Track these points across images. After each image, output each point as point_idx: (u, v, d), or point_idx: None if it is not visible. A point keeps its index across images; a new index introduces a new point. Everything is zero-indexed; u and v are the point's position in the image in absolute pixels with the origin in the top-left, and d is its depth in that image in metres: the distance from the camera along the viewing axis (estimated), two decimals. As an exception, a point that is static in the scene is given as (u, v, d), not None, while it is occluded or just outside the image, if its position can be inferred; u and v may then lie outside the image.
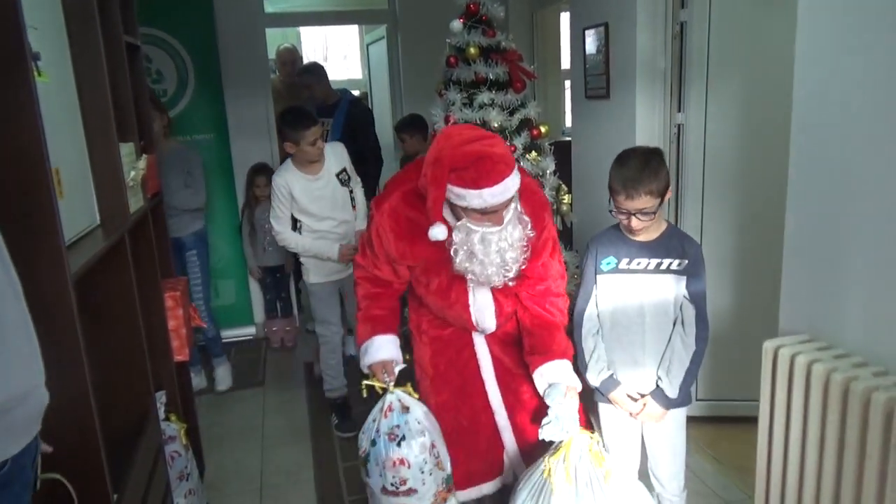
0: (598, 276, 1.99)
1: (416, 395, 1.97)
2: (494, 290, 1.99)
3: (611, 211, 1.91)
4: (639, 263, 1.93)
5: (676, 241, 1.94)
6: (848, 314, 1.74)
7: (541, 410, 2.07)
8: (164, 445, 2.10)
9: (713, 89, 2.71)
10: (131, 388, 1.92)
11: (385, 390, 1.95)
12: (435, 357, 2.11)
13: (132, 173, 1.98)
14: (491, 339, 2.10)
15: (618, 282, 1.96)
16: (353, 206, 3.14)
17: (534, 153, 2.86)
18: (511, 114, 2.83)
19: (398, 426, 1.89)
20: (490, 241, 1.77)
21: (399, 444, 1.87)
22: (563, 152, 3.39)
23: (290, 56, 4.90)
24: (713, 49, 2.68)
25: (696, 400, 2.82)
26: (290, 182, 2.95)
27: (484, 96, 2.80)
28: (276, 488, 2.78)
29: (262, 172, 4.13)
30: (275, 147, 4.45)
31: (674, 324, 1.96)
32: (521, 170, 1.83)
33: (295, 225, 3.04)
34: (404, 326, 2.14)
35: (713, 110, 2.73)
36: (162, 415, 2.13)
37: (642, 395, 2.02)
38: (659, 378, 1.98)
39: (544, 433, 1.81)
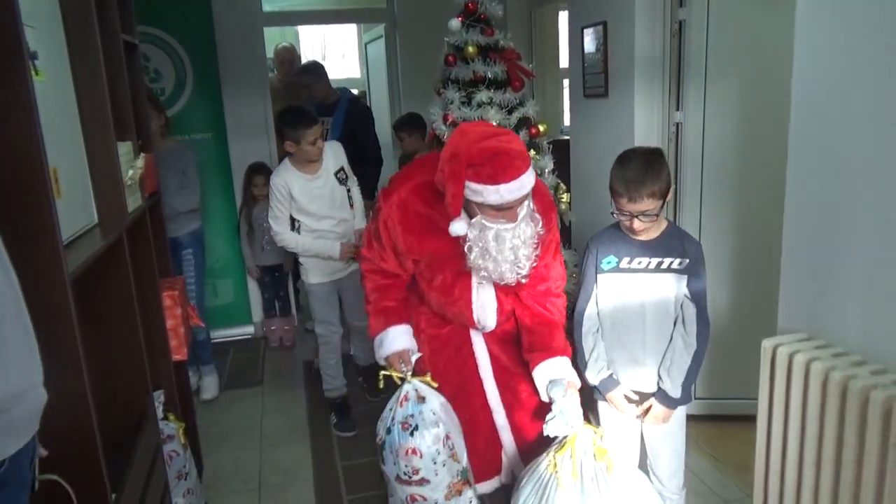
0: (598, 276, 1.99)
1: (435, 385, 1.98)
2: (497, 289, 1.99)
3: (612, 213, 1.91)
4: (639, 262, 1.93)
5: (677, 240, 1.94)
6: (846, 313, 1.75)
7: (539, 409, 2.08)
8: (163, 445, 2.10)
9: (712, 88, 2.71)
10: (129, 387, 1.92)
11: (403, 380, 1.97)
12: (433, 355, 2.11)
13: (130, 172, 1.98)
14: (489, 337, 2.10)
15: (618, 281, 1.96)
16: (351, 205, 3.14)
17: (532, 152, 2.86)
18: (509, 112, 2.83)
19: (412, 416, 1.91)
20: (504, 239, 1.78)
21: (412, 434, 1.89)
22: (561, 151, 3.39)
23: (289, 55, 4.89)
24: (712, 48, 2.68)
25: (695, 398, 2.82)
26: (288, 181, 2.94)
27: (482, 95, 2.80)
28: (274, 487, 2.77)
29: (260, 172, 4.13)
30: (273, 146, 4.45)
31: (674, 323, 1.96)
32: None
33: (293, 225, 3.03)
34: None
35: (712, 109, 2.73)
36: (160, 414, 2.12)
37: (640, 394, 2.03)
38: (660, 379, 1.98)
39: (549, 429, 1.81)
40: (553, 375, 1.93)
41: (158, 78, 4.07)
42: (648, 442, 2.10)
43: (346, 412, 3.23)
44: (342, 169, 3.10)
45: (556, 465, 1.77)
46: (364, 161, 4.13)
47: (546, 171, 2.90)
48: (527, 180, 1.72)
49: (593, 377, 2.02)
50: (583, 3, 3.35)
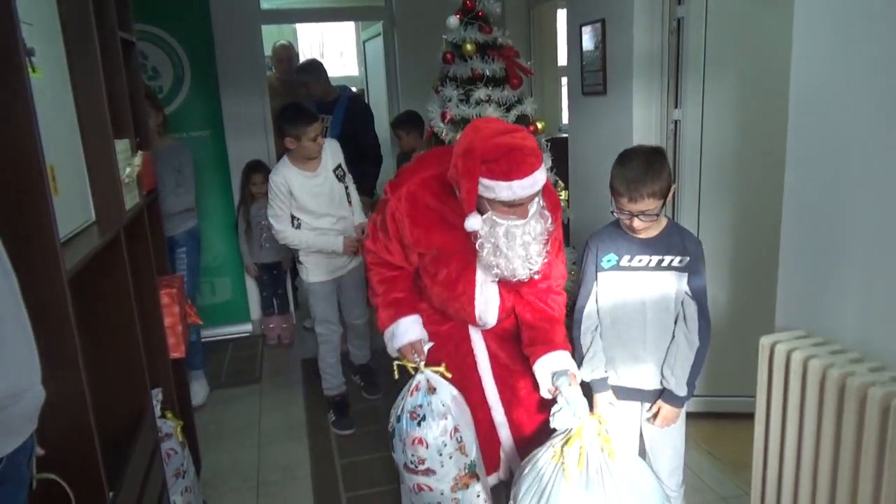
0: (598, 274, 1.99)
1: (449, 376, 1.99)
2: (500, 285, 2.00)
3: (612, 211, 1.91)
4: (640, 261, 1.93)
5: (677, 238, 1.93)
6: (844, 310, 1.75)
7: (538, 406, 2.08)
8: (161, 443, 2.10)
9: (710, 85, 2.71)
10: (127, 385, 1.91)
11: (416, 370, 1.99)
12: (433, 352, 2.11)
13: (127, 170, 1.97)
14: (488, 334, 2.11)
15: (619, 279, 1.96)
16: (349, 202, 3.13)
17: (531, 149, 2.85)
18: (508, 110, 2.83)
19: (421, 406, 1.93)
20: (515, 235, 1.78)
21: (419, 424, 1.91)
22: (559, 149, 3.39)
23: (287, 53, 4.88)
24: (710, 45, 2.68)
25: (693, 396, 2.82)
26: (288, 179, 2.94)
27: (480, 92, 2.80)
28: (272, 485, 2.77)
29: (259, 170, 4.13)
30: (271, 144, 4.44)
31: (675, 320, 1.96)
32: None
33: (293, 224, 3.03)
34: None
35: (710, 106, 2.73)
36: (158, 412, 2.12)
37: (639, 392, 2.03)
38: (665, 378, 1.97)
39: (556, 421, 1.81)
40: (556, 367, 1.93)
41: (156, 76, 4.07)
42: (648, 439, 2.10)
43: (344, 410, 3.23)
44: (340, 166, 3.10)
45: (563, 456, 1.77)
46: (364, 159, 4.14)
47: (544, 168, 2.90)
48: (539, 177, 1.73)
49: (587, 375, 2.02)
50: (581, 1, 3.34)
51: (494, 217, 1.78)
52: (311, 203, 2.98)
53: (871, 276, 1.66)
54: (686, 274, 1.92)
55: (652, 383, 2.01)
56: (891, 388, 1.46)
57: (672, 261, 1.92)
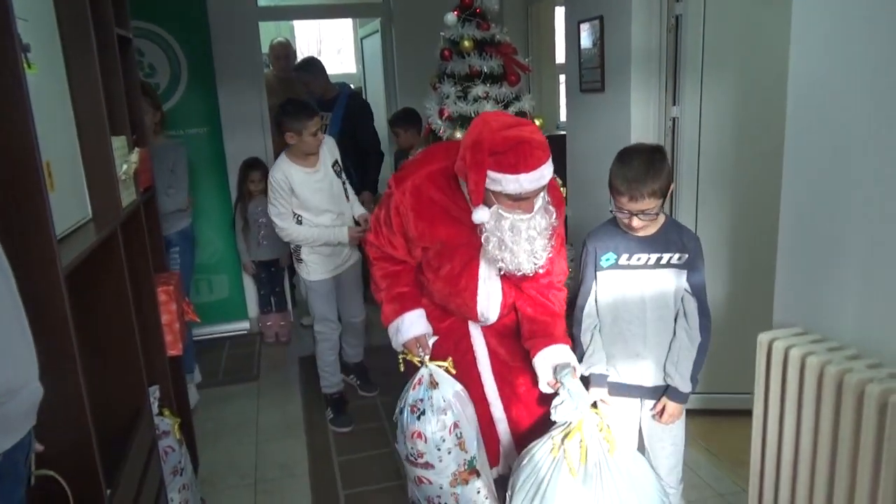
0: (597, 273, 1.98)
1: (454, 371, 2.01)
2: (503, 280, 2.00)
3: (611, 210, 1.90)
4: (639, 259, 1.93)
5: (675, 235, 1.93)
6: (842, 307, 1.75)
7: (536, 402, 2.09)
8: (158, 440, 2.09)
9: (708, 82, 2.71)
10: (124, 382, 1.91)
11: (422, 363, 2.01)
12: (434, 348, 2.11)
13: (124, 167, 1.97)
14: (488, 331, 2.11)
15: (618, 278, 1.96)
16: (347, 198, 3.13)
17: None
18: (505, 107, 2.83)
19: (421, 400, 1.95)
20: (520, 230, 1.79)
21: (419, 418, 1.93)
22: (557, 146, 3.37)
23: (284, 50, 4.87)
24: (708, 42, 2.67)
25: (692, 393, 2.83)
26: (288, 175, 2.93)
27: (478, 89, 2.79)
28: (270, 483, 2.77)
29: (256, 167, 4.12)
30: (268, 141, 4.44)
31: (675, 317, 1.96)
32: None
33: (295, 221, 3.01)
34: None
35: (708, 104, 2.73)
36: (155, 409, 2.12)
37: (640, 388, 2.03)
38: (668, 375, 1.98)
39: (558, 414, 1.81)
40: (557, 361, 1.93)
41: (153, 73, 4.05)
42: (648, 436, 2.10)
43: (342, 408, 3.22)
44: (336, 162, 3.10)
45: (565, 450, 1.77)
46: (364, 156, 4.14)
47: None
48: (546, 171, 1.74)
49: (585, 370, 2.02)
50: (579, -2, 3.34)
51: (500, 211, 1.78)
52: (312, 199, 2.97)
53: (868, 273, 1.66)
54: (685, 271, 1.92)
55: (652, 380, 2.01)
56: (888, 385, 1.46)
57: (671, 258, 1.92)
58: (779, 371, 1.77)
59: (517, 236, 1.79)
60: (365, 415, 3.27)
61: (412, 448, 1.95)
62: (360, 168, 4.18)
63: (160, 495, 1.98)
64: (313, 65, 4.32)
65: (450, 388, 1.97)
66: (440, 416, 1.92)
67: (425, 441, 1.92)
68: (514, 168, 1.69)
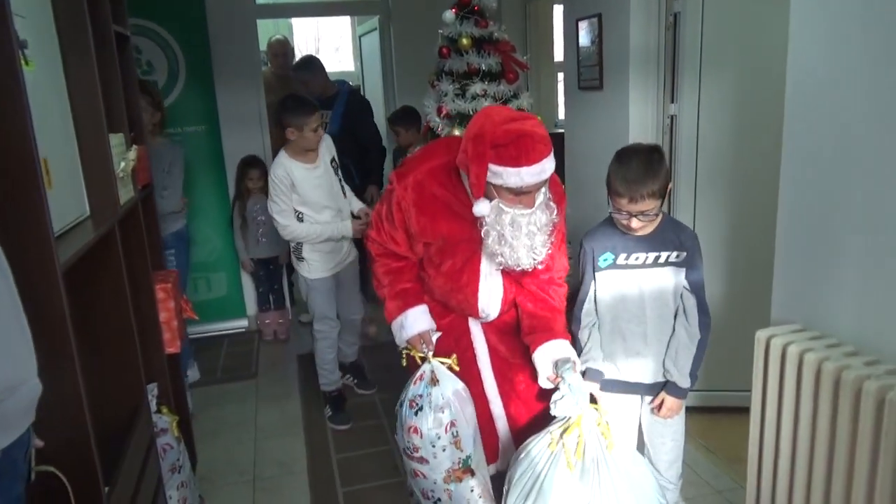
0: (596, 273, 1.98)
1: (457, 368, 2.02)
2: (504, 276, 2.00)
3: (610, 212, 1.90)
4: (636, 258, 1.93)
5: (672, 233, 1.93)
6: (840, 304, 1.75)
7: (535, 399, 2.09)
8: (156, 438, 2.09)
9: (706, 80, 2.71)
10: (122, 380, 1.91)
11: (424, 360, 2.02)
12: (435, 345, 2.12)
13: (122, 164, 1.96)
14: (488, 328, 2.11)
15: (616, 277, 1.96)
16: (344, 195, 3.13)
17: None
18: (504, 104, 2.83)
19: (420, 396, 1.96)
20: (520, 225, 1.79)
21: (416, 414, 1.95)
22: (555, 144, 3.37)
23: (282, 48, 4.86)
24: (706, 40, 2.67)
25: (691, 390, 2.83)
26: (290, 171, 2.92)
27: (476, 87, 2.80)
28: (269, 480, 2.77)
29: (255, 165, 4.12)
30: (266, 139, 4.43)
31: (674, 314, 1.96)
32: None
33: (296, 218, 3.01)
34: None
35: (706, 101, 2.73)
36: (153, 407, 2.12)
37: (640, 385, 2.03)
38: (667, 371, 1.98)
39: (558, 409, 1.81)
40: (557, 355, 1.93)
41: (151, 70, 4.04)
42: (648, 431, 2.10)
43: (340, 405, 3.23)
44: (333, 159, 3.10)
45: (563, 444, 1.77)
46: (366, 153, 4.15)
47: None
48: (548, 165, 1.74)
49: (580, 366, 2.02)
50: (577, -5, 3.34)
51: (501, 205, 1.79)
52: (313, 195, 2.97)
53: (866, 271, 1.67)
54: (684, 269, 1.92)
55: (652, 377, 2.02)
56: (886, 382, 1.47)
57: (668, 256, 1.92)
58: (777, 368, 1.77)
59: (517, 231, 1.79)
60: (363, 412, 3.27)
61: (409, 442, 1.97)
62: (361, 165, 4.18)
63: (158, 492, 1.98)
64: (312, 63, 4.31)
65: (450, 387, 1.97)
66: (437, 413, 1.93)
67: (421, 437, 1.93)
68: (516, 161, 1.69)
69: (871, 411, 1.47)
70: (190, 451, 2.55)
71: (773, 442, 1.83)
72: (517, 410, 2.13)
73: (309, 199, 2.96)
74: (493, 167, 1.72)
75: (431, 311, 2.11)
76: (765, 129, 2.52)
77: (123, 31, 2.29)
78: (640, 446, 2.14)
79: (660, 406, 2.01)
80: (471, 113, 2.73)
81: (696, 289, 1.93)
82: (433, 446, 1.93)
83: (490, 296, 2.02)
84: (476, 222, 1.85)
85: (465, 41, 2.79)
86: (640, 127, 2.94)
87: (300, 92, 4.26)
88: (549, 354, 1.94)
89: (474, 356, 2.12)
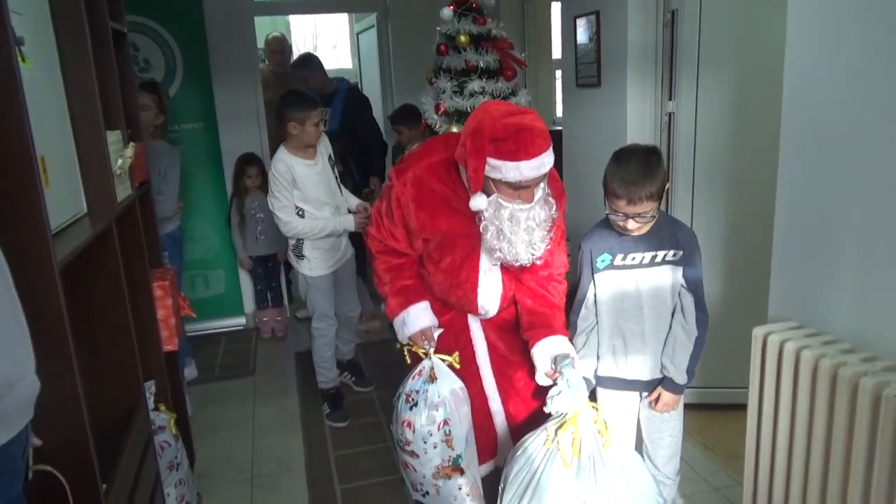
0: (594, 275, 1.98)
1: (458, 366, 2.03)
2: (503, 273, 2.00)
3: (607, 213, 1.89)
4: (633, 258, 1.93)
5: (668, 231, 1.93)
6: (837, 301, 1.76)
7: (533, 396, 2.09)
8: (154, 435, 2.09)
9: (704, 77, 2.71)
10: (120, 377, 1.91)
11: (426, 355, 2.03)
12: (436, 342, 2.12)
13: (119, 161, 1.96)
14: (487, 325, 2.12)
15: (614, 278, 1.96)
16: (340, 191, 3.13)
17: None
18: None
19: (417, 391, 1.98)
20: (519, 220, 1.79)
21: (411, 409, 1.96)
22: (553, 141, 3.37)
23: (279, 45, 4.86)
24: (704, 37, 2.67)
25: (688, 387, 2.84)
26: (291, 166, 2.91)
27: (474, 84, 2.80)
28: (267, 478, 2.78)
29: (253, 163, 4.12)
30: (264, 136, 4.43)
31: (672, 311, 1.96)
32: None
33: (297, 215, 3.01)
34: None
35: (704, 99, 2.73)
36: (151, 405, 2.12)
37: (639, 383, 2.03)
38: (664, 368, 1.98)
39: (553, 405, 1.81)
40: (556, 351, 1.93)
41: (148, 68, 4.04)
42: (646, 426, 2.11)
43: (338, 403, 3.23)
44: (330, 157, 3.11)
45: (558, 442, 1.77)
46: (366, 149, 4.15)
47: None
48: (547, 159, 1.74)
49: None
50: (575, -7, 3.34)
51: (500, 199, 1.78)
52: (313, 191, 2.96)
53: (863, 268, 1.67)
54: (681, 267, 1.92)
55: (650, 374, 2.02)
56: (882, 378, 1.47)
57: (666, 255, 1.92)
58: (774, 365, 1.78)
59: (516, 226, 1.79)
60: (361, 410, 3.27)
61: (401, 435, 1.99)
62: (361, 162, 4.18)
63: (156, 490, 1.99)
64: (311, 61, 4.31)
65: (447, 385, 1.98)
66: (431, 410, 1.94)
67: (413, 431, 1.95)
68: (515, 155, 1.69)
69: (868, 408, 1.47)
70: (188, 448, 2.55)
71: (770, 439, 1.84)
72: (516, 407, 2.13)
73: (309, 195, 2.96)
74: (491, 161, 1.71)
75: (431, 308, 2.11)
76: (762, 126, 2.52)
77: (120, 28, 2.29)
78: (639, 444, 2.14)
79: (657, 400, 2.02)
80: (468, 110, 2.73)
81: (694, 287, 1.93)
82: (424, 442, 1.94)
83: (489, 292, 2.02)
84: (475, 218, 1.85)
85: (462, 38, 2.79)
86: (638, 124, 2.94)
87: (298, 88, 4.27)
88: (547, 350, 1.94)
89: (473, 353, 2.12)
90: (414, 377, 2.01)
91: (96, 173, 1.79)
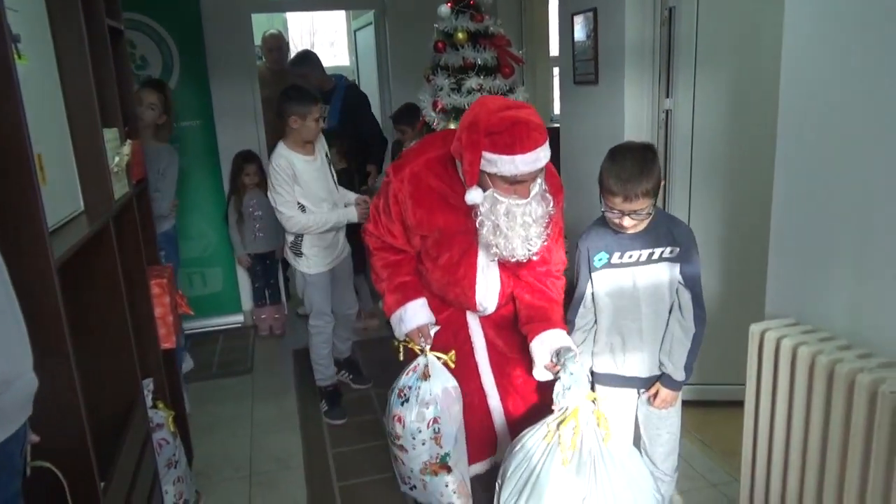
0: (592, 274, 1.99)
1: (453, 365, 2.03)
2: (501, 269, 2.00)
3: (603, 211, 1.90)
4: (630, 256, 1.93)
5: (664, 228, 1.93)
6: (833, 298, 1.76)
7: (531, 393, 2.10)
8: (152, 433, 2.09)
9: (701, 75, 2.71)
10: (118, 375, 1.91)
11: (422, 352, 2.04)
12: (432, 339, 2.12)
13: (116, 159, 1.96)
14: (486, 322, 2.12)
15: (612, 276, 1.96)
16: (336, 188, 3.14)
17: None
18: (499, 99, 2.82)
19: (409, 387, 1.99)
20: (515, 215, 1.79)
21: (403, 404, 1.98)
22: (551, 139, 3.37)
23: (277, 42, 4.85)
24: (701, 34, 2.68)
25: (686, 384, 2.84)
26: (291, 161, 2.91)
27: (472, 82, 2.79)
28: (265, 475, 2.78)
29: (251, 160, 4.11)
30: (261, 133, 4.42)
31: (670, 308, 1.97)
32: None
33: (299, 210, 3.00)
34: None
35: (701, 96, 2.73)
36: (149, 402, 2.12)
37: (638, 380, 2.04)
38: (662, 364, 1.99)
39: (564, 401, 1.80)
40: (555, 345, 1.93)
41: (145, 65, 4.03)
42: (644, 424, 2.11)
43: (336, 400, 3.23)
44: (326, 154, 3.12)
45: (559, 436, 1.77)
46: (366, 145, 4.15)
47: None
48: (542, 154, 1.73)
49: None
50: (573, -10, 3.34)
51: (496, 195, 1.78)
52: (313, 186, 2.96)
53: (859, 265, 1.68)
54: (678, 264, 1.92)
55: (648, 371, 2.02)
56: (878, 375, 1.48)
57: (662, 252, 1.92)
58: (771, 362, 1.78)
59: (512, 222, 1.78)
60: (359, 407, 3.27)
61: (392, 428, 2.02)
62: (361, 158, 4.18)
63: (154, 488, 1.99)
64: (309, 58, 4.31)
65: (440, 383, 1.98)
66: (422, 407, 1.95)
67: (403, 427, 1.96)
68: (510, 149, 1.68)
69: (864, 404, 1.48)
70: (186, 446, 2.55)
71: (766, 435, 1.84)
72: (514, 404, 2.13)
73: (309, 190, 2.96)
74: (487, 155, 1.71)
75: (430, 306, 2.11)
76: (759, 124, 2.52)
77: (117, 25, 2.28)
78: (637, 441, 2.15)
79: (655, 396, 2.02)
80: (466, 107, 2.72)
81: (692, 283, 1.93)
82: (413, 438, 1.95)
83: (487, 289, 2.02)
84: (472, 214, 1.85)
85: (460, 35, 2.78)
86: (636, 122, 2.94)
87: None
88: (546, 344, 1.94)
89: (472, 350, 2.12)
90: (408, 373, 2.02)
91: (93, 171, 1.79)
